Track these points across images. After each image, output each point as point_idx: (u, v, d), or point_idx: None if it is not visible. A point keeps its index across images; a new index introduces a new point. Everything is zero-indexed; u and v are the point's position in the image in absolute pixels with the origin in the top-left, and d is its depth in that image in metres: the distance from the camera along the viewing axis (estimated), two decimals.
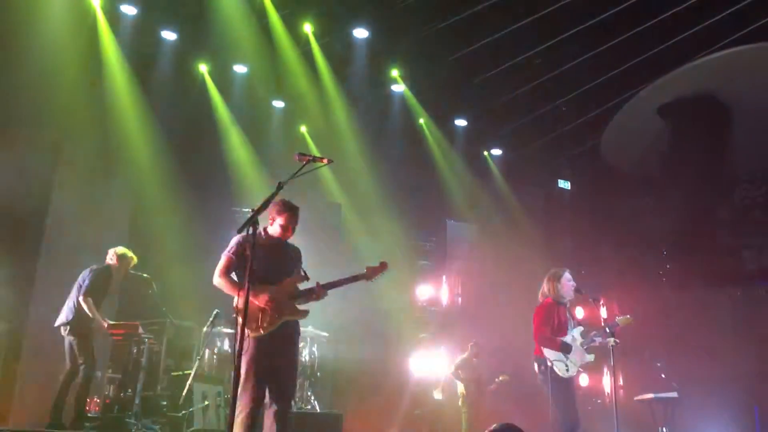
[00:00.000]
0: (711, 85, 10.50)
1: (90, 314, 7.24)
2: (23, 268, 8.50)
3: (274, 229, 5.05)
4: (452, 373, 10.22)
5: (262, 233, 5.05)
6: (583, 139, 12.24)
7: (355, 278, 5.12)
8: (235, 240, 5.02)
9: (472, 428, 9.53)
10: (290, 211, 5.04)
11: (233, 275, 4.96)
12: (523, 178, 12.59)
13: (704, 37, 9.67)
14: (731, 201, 11.91)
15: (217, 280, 4.95)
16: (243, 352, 4.45)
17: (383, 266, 5.16)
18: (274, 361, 4.73)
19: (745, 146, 10.91)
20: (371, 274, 5.11)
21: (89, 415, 7.68)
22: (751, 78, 10.20)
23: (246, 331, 4.63)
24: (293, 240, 5.21)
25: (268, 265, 4.88)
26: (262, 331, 4.78)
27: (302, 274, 5.03)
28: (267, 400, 4.74)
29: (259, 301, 4.77)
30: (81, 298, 7.23)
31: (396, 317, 10.90)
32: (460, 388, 10.06)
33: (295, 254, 5.20)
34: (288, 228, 5.05)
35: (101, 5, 9.20)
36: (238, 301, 4.81)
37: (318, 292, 4.98)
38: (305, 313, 4.97)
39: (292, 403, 4.99)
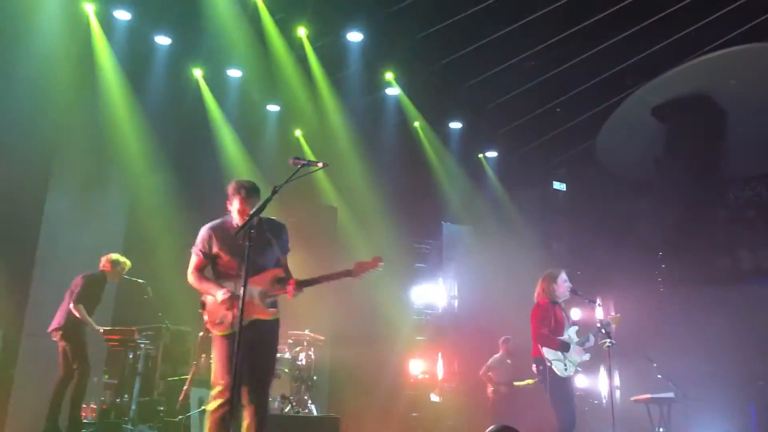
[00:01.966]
0: (705, 85, 10.53)
1: (83, 321, 7.26)
2: (19, 275, 8.49)
3: (234, 217, 4.60)
4: (481, 374, 10.05)
5: (227, 224, 4.62)
6: (578, 141, 12.26)
7: (338, 275, 4.65)
8: (200, 236, 4.65)
9: None
10: (242, 191, 4.54)
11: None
12: (519, 180, 12.60)
13: (698, 38, 9.70)
14: (726, 201, 11.94)
15: (190, 279, 4.60)
16: (212, 350, 4.36)
17: (375, 262, 4.65)
18: (245, 362, 4.25)
19: (739, 146, 10.94)
20: (359, 270, 4.63)
21: (86, 421, 7.68)
22: (746, 78, 10.23)
23: (212, 329, 4.44)
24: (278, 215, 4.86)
25: (239, 259, 4.39)
26: (225, 330, 4.43)
27: (281, 264, 4.61)
28: (244, 400, 4.45)
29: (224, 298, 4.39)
30: (72, 306, 7.24)
31: (392, 320, 10.90)
32: (489, 390, 9.85)
33: (273, 234, 4.66)
34: (246, 211, 4.49)
35: (95, 11, 9.17)
36: (205, 298, 4.52)
37: (290, 289, 4.48)
38: (272, 313, 4.54)
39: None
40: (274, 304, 4.59)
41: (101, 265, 7.72)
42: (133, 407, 7.62)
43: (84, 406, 7.67)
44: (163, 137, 9.88)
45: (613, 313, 6.84)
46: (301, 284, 4.54)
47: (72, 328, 7.30)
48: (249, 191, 4.55)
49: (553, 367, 6.19)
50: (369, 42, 9.95)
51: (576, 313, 10.54)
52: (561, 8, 9.24)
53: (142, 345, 7.95)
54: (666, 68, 10.25)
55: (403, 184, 11.58)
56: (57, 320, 7.37)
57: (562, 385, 6.24)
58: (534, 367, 6.42)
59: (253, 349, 4.32)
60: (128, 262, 7.83)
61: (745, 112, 10.64)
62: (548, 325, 6.37)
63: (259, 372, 4.50)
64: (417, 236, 11.95)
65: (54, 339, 7.35)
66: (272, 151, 10.77)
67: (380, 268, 4.68)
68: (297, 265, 10.38)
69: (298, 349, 8.79)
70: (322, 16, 9.62)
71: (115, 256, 7.77)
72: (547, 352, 6.24)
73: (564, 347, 6.29)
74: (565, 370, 6.23)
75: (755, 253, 11.35)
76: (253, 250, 4.16)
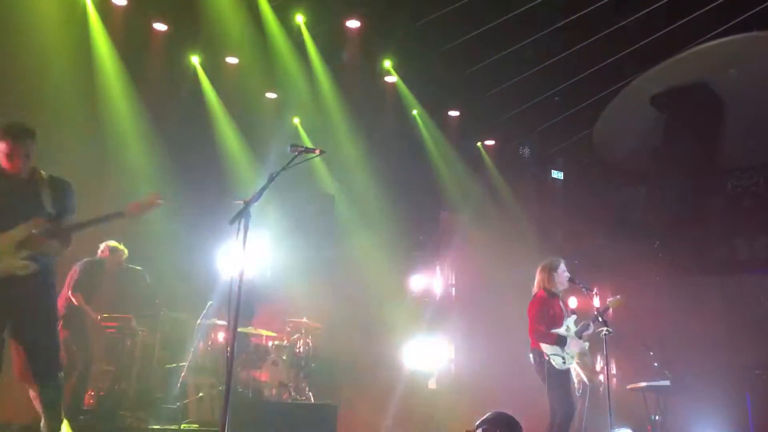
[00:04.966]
0: (704, 74, 10.50)
1: (81, 308, 7.26)
2: None
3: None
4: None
5: None
6: (576, 130, 12.25)
7: (109, 217, 4.39)
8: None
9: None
10: (10, 137, 4.11)
11: None
12: (516, 168, 12.59)
13: (697, 27, 9.67)
14: (723, 190, 11.94)
15: None
16: None
17: (152, 200, 4.47)
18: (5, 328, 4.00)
19: (737, 135, 10.93)
20: (133, 210, 4.41)
21: (83, 408, 7.68)
22: (744, 67, 10.20)
23: None
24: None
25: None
26: None
27: (46, 217, 4.12)
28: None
29: None
30: (71, 293, 7.24)
31: (390, 308, 10.91)
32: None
33: (51, 190, 4.30)
34: (14, 156, 4.13)
35: None
36: None
37: (49, 237, 4.11)
38: (26, 267, 4.09)
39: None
40: (32, 259, 4.15)
41: (100, 251, 7.73)
42: (131, 394, 7.65)
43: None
44: (160, 124, 9.84)
45: (611, 297, 6.81)
46: (68, 229, 4.23)
47: (72, 317, 7.29)
48: (20, 137, 4.19)
49: (551, 360, 6.20)
50: (367, 29, 9.92)
51: (573, 302, 10.56)
52: None
53: (140, 332, 7.97)
54: (664, 57, 10.22)
55: (400, 172, 11.58)
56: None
57: (560, 377, 6.25)
58: (531, 358, 6.43)
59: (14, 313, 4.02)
60: (126, 250, 7.82)
61: (743, 102, 10.62)
62: (545, 320, 6.36)
63: (28, 345, 4.14)
64: (414, 224, 11.95)
65: None
66: (270, 139, 10.74)
67: (159, 205, 4.48)
68: (293, 251, 10.40)
69: (295, 336, 8.81)
70: (320, 2, 9.59)
71: (113, 243, 7.76)
72: (545, 347, 6.25)
73: (561, 342, 6.28)
74: (563, 363, 6.24)
75: (752, 243, 11.35)
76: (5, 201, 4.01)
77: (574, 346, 6.37)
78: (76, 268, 7.46)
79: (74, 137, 9.05)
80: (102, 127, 9.51)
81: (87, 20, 9.26)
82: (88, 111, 9.31)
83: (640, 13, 9.53)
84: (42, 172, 4.33)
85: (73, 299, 7.24)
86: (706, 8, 9.37)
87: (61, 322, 7.24)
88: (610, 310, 6.53)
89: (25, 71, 8.39)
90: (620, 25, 9.74)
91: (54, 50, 8.71)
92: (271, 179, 4.21)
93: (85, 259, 7.57)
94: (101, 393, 7.87)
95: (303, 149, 4.33)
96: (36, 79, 8.48)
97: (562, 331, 6.37)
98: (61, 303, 7.32)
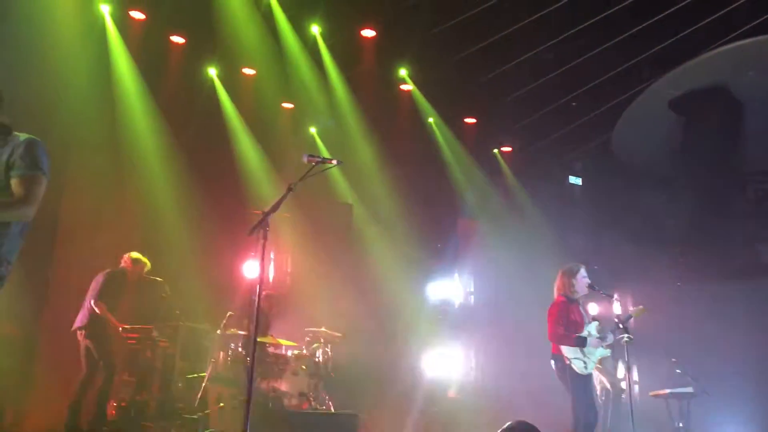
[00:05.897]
0: (724, 77, 10.41)
1: (104, 317, 7.32)
2: (37, 274, 8.54)
3: None
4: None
5: None
6: (593, 135, 12.18)
7: None
8: None
9: None
10: None
11: None
12: (534, 174, 12.54)
13: (717, 29, 9.60)
14: (744, 194, 11.81)
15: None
16: None
17: None
18: None
19: (757, 139, 10.82)
20: None
21: (106, 419, 7.73)
22: (765, 70, 10.11)
23: None
24: None
25: None
26: None
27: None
28: None
29: None
30: (93, 302, 7.30)
31: (409, 317, 10.89)
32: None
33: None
34: None
35: (110, 12, 9.26)
36: None
37: None
38: None
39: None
40: None
41: (122, 262, 7.79)
42: (153, 404, 7.69)
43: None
44: (178, 136, 9.92)
45: (633, 307, 6.75)
46: None
47: (95, 326, 7.36)
48: None
49: (572, 365, 6.14)
50: (382, 38, 9.94)
51: (593, 309, 10.49)
52: (576, 1, 9.18)
53: (161, 342, 8.01)
54: (683, 60, 10.14)
55: (418, 180, 11.56)
56: (80, 319, 7.43)
57: (582, 382, 6.20)
58: (552, 365, 6.38)
59: None
60: (148, 263, 7.89)
61: (764, 104, 10.51)
62: (564, 323, 6.32)
63: None
64: (432, 232, 11.92)
65: (79, 339, 7.41)
66: (287, 149, 10.79)
67: None
68: (312, 261, 10.41)
69: (315, 345, 8.81)
70: (335, 12, 9.63)
71: (136, 254, 7.84)
72: (567, 350, 6.20)
73: (581, 342, 6.23)
74: (585, 367, 6.18)
75: None
76: None
77: (595, 350, 6.32)
78: (99, 278, 7.54)
79: (94, 150, 9.15)
80: (121, 140, 9.59)
81: (106, 34, 9.37)
82: (108, 124, 9.41)
83: (659, 16, 9.47)
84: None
85: (96, 308, 7.30)
86: (726, 10, 9.30)
87: (84, 332, 7.33)
88: (632, 319, 6.47)
89: (45, 85, 8.48)
90: (638, 28, 9.67)
91: (73, 64, 8.81)
92: (290, 191, 4.23)
93: (108, 270, 7.65)
94: (123, 404, 7.92)
95: (320, 159, 4.35)
96: (56, 93, 8.58)
97: (582, 335, 6.32)
98: (84, 314, 7.40)
